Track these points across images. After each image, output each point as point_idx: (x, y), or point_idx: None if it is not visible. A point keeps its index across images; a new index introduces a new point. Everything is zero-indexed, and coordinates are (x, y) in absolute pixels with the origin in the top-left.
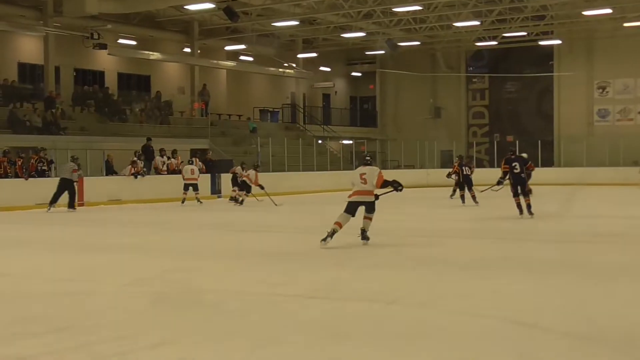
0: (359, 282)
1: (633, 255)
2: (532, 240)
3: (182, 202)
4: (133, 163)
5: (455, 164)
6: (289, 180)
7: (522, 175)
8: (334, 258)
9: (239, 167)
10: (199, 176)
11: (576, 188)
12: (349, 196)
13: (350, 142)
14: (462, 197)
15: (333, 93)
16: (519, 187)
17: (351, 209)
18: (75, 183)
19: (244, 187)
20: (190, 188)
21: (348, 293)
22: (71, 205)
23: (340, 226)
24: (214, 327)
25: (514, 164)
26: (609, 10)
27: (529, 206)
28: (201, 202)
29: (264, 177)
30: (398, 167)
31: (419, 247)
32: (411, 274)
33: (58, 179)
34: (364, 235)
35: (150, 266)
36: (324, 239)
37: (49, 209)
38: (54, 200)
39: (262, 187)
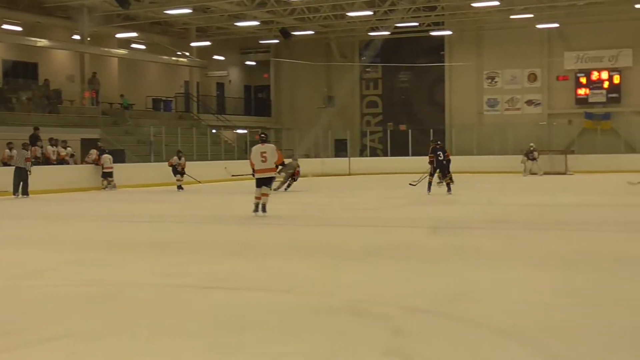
0: (255, 271)
1: (528, 241)
2: (420, 227)
3: (105, 188)
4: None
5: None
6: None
7: (444, 162)
8: (230, 247)
9: (175, 157)
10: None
11: (469, 176)
12: (256, 172)
13: (245, 131)
14: (430, 184)
15: (227, 82)
16: (443, 172)
17: (259, 184)
18: (28, 172)
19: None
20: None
21: (244, 283)
22: (25, 192)
23: (259, 199)
24: (107, 320)
25: (438, 153)
26: (496, 2)
27: (448, 185)
28: (115, 188)
29: (156, 167)
30: (307, 156)
31: (316, 235)
32: (307, 262)
33: None
34: (264, 208)
35: (44, 259)
36: (255, 210)
37: (16, 196)
38: (16, 189)
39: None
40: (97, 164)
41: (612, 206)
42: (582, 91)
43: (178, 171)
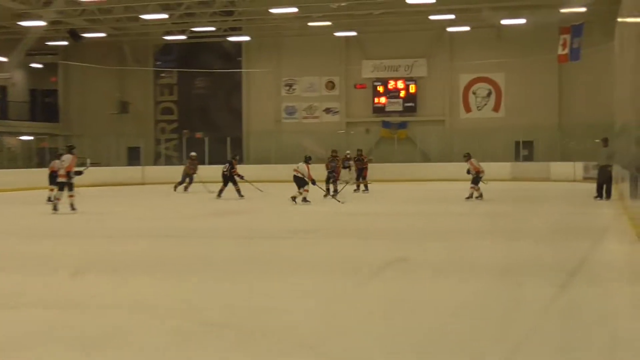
0: (42, 288)
1: (327, 250)
2: (222, 237)
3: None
4: None
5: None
6: None
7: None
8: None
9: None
10: None
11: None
12: None
13: (31, 138)
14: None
15: (10, 85)
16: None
17: None
18: None
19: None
20: None
21: (28, 300)
22: None
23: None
24: None
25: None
26: (294, 9)
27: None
28: None
29: None
30: (97, 164)
31: (111, 246)
32: (93, 277)
33: None
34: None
35: None
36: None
37: None
38: None
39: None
40: None
41: (407, 215)
42: (379, 100)
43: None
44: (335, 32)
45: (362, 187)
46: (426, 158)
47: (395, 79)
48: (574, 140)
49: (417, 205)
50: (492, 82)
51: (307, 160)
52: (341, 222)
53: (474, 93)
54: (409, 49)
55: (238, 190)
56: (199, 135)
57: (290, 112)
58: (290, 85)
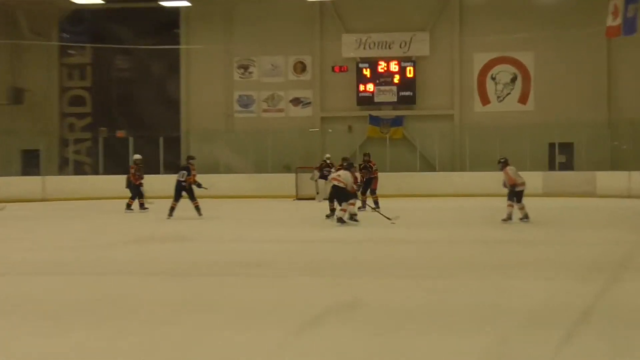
0: None
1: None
2: (143, 273)
3: None
4: None
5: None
6: None
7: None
8: None
9: None
10: None
11: (216, 202)
12: None
13: None
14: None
15: None
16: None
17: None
18: None
19: None
20: None
21: None
22: None
23: None
24: None
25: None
26: None
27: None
28: None
29: None
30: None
31: None
32: None
33: None
34: None
35: None
36: None
37: None
38: None
39: None
40: None
41: (417, 243)
42: (365, 87)
43: None
44: None
45: (366, 202)
46: (429, 165)
47: (387, 60)
48: (627, 142)
49: (429, 229)
50: (518, 63)
51: (349, 166)
52: (321, 253)
53: (493, 78)
54: (405, 20)
55: (197, 207)
56: (120, 134)
57: (245, 103)
58: (245, 68)
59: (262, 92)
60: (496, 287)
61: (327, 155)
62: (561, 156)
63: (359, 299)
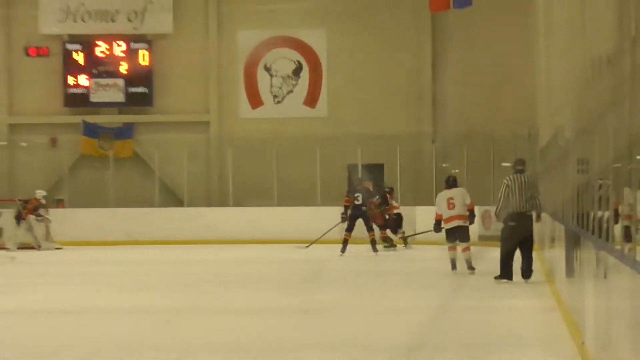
0: None
1: None
2: None
3: None
4: None
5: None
6: None
7: (364, 208)
8: None
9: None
10: None
11: None
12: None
13: None
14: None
15: None
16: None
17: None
18: None
19: None
20: None
21: None
22: None
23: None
24: None
25: (356, 195)
26: None
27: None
28: None
29: None
30: None
31: None
32: None
33: None
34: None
35: None
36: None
37: None
38: None
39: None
40: None
41: None
42: (77, 81)
43: None
44: None
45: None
46: (173, 198)
47: (110, 39)
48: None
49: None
50: (304, 47)
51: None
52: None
53: (267, 69)
54: None
55: None
56: None
57: None
58: None
59: None
60: None
61: (41, 193)
62: (367, 182)
63: None
